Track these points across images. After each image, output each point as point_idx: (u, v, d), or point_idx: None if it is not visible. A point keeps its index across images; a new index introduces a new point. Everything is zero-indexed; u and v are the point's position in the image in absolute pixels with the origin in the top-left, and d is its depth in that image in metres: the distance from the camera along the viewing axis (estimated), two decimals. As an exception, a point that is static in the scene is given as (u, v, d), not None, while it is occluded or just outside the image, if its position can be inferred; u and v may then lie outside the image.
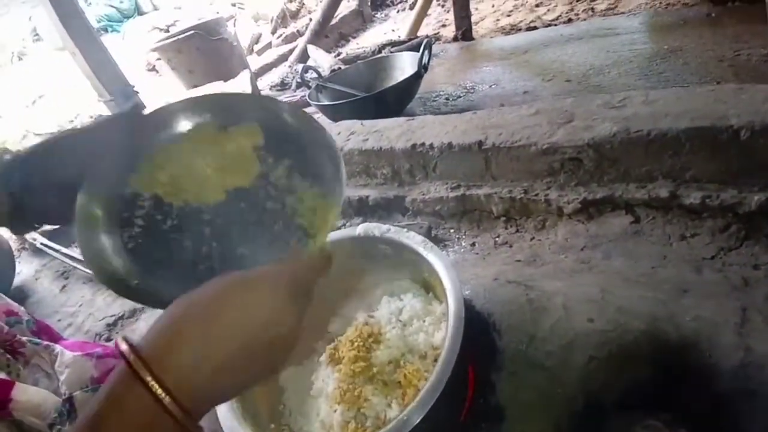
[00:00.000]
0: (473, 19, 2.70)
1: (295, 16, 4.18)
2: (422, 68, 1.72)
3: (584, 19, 2.45)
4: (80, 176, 0.46)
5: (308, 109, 2.05)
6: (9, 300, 1.05)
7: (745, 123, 0.86)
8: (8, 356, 0.87)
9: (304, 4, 4.32)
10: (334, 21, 3.27)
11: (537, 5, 2.84)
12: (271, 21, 4.21)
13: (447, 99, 1.96)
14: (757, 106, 0.88)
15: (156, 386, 0.32)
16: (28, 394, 0.81)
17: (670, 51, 1.74)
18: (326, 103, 1.89)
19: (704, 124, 0.89)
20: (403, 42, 2.52)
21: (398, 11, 3.92)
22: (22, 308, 1.05)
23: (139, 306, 1.35)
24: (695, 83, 1.50)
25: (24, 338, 0.92)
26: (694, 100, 0.96)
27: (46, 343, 0.95)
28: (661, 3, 2.29)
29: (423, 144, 1.19)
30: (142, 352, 0.33)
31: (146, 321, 1.30)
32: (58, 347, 0.95)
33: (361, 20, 3.84)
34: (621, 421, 0.66)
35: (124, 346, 0.34)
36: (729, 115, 0.88)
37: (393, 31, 3.40)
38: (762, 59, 1.53)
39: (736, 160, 0.89)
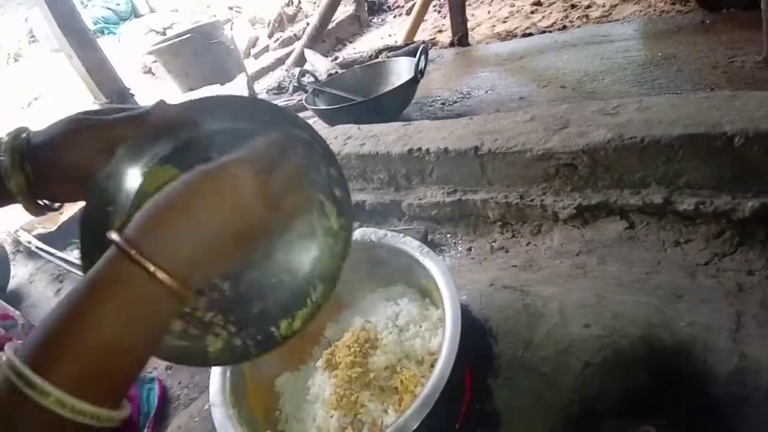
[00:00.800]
0: (469, 25, 2.72)
1: (292, 20, 4.19)
2: (419, 73, 1.73)
3: (579, 26, 2.47)
4: (94, 163, 0.45)
5: (305, 114, 2.06)
6: (5, 303, 1.05)
7: (738, 130, 0.87)
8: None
9: (301, 8, 4.33)
10: (331, 25, 3.28)
11: (532, 12, 2.86)
12: (269, 25, 4.21)
13: (443, 104, 1.97)
14: (750, 113, 0.89)
15: (149, 263, 0.33)
16: None
17: (664, 58, 1.75)
18: (323, 107, 1.89)
19: (698, 131, 0.90)
20: (400, 47, 2.53)
21: (395, 16, 3.93)
22: (18, 312, 1.05)
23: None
24: (689, 90, 1.52)
25: (19, 342, 0.92)
26: (688, 107, 0.96)
27: None
28: (655, 10, 2.31)
29: (419, 149, 1.20)
30: (130, 236, 0.34)
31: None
32: None
33: (358, 25, 3.86)
34: (616, 426, 0.66)
35: (113, 235, 0.34)
36: (723, 122, 0.89)
37: (390, 36, 3.42)
38: (756, 66, 1.54)
39: (729, 166, 0.90)
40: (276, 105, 0.49)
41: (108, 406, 0.31)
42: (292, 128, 0.46)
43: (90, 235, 0.44)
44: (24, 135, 0.46)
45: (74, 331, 0.31)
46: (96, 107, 0.51)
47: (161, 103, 0.47)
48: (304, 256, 0.50)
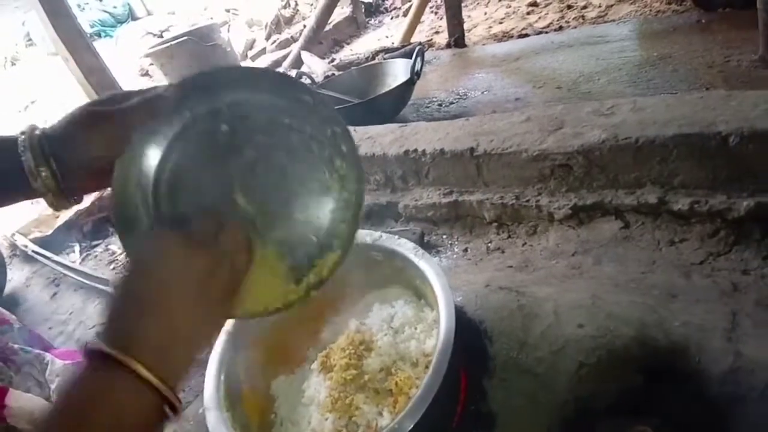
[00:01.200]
0: (466, 26, 2.72)
1: (289, 22, 4.19)
2: (415, 75, 1.73)
3: (575, 27, 2.47)
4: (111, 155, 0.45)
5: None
6: (1, 308, 1.05)
7: (733, 129, 0.87)
8: (0, 363, 0.87)
9: (298, 10, 4.33)
10: (328, 27, 3.29)
11: (528, 13, 2.86)
12: (266, 27, 4.21)
13: (440, 105, 1.97)
14: (746, 112, 0.89)
15: (140, 368, 0.33)
16: (21, 401, 0.81)
17: (660, 58, 1.75)
18: (319, 109, 1.89)
19: (692, 131, 0.90)
20: (396, 49, 2.53)
21: (392, 18, 3.94)
22: (14, 317, 1.05)
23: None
24: (685, 90, 1.52)
25: (16, 346, 0.92)
26: (683, 107, 0.97)
27: (37, 351, 0.95)
28: (651, 10, 2.31)
29: (416, 150, 1.20)
30: (115, 345, 0.34)
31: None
32: (48, 356, 0.95)
33: (355, 27, 3.86)
34: (611, 427, 0.66)
35: (96, 346, 0.34)
36: (717, 122, 0.89)
37: (387, 37, 3.42)
38: (752, 65, 1.54)
39: (724, 166, 0.90)
40: (282, 73, 0.52)
41: None
42: (298, 94, 0.50)
43: (123, 219, 0.46)
44: (38, 132, 0.46)
45: None
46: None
47: (172, 86, 0.47)
48: (322, 210, 0.53)
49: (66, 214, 1.84)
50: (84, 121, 0.47)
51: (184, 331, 0.38)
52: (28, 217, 1.93)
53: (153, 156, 0.47)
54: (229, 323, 0.78)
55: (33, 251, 1.74)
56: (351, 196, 0.53)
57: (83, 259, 1.70)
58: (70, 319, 1.43)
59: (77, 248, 1.76)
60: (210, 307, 0.40)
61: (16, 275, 1.77)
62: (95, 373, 0.34)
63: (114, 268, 1.59)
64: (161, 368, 0.34)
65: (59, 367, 0.93)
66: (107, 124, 0.46)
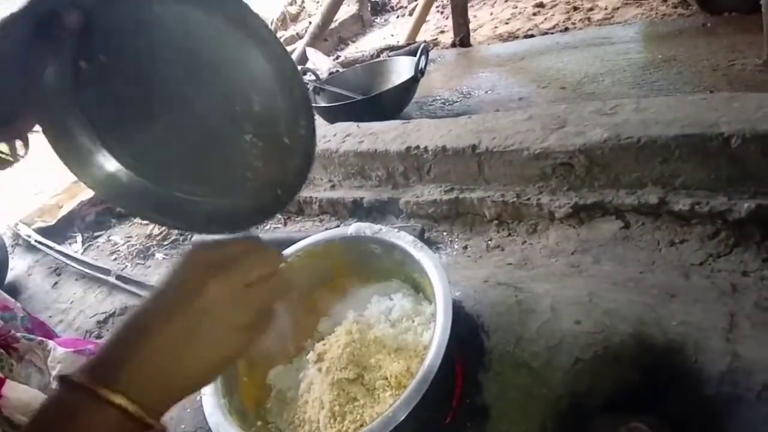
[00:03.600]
0: (471, 26, 2.72)
1: (295, 19, 4.20)
2: (419, 73, 1.73)
3: (580, 28, 2.47)
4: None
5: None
6: (6, 295, 1.05)
7: (735, 131, 0.87)
8: (2, 351, 0.88)
9: (304, 7, 4.33)
10: (333, 25, 3.29)
11: (534, 14, 2.86)
12: (272, 23, 4.22)
13: (443, 103, 1.97)
14: (748, 114, 0.89)
15: (122, 399, 0.33)
16: (17, 392, 0.81)
17: (665, 60, 1.75)
18: (323, 105, 1.90)
19: (694, 131, 0.90)
20: (401, 47, 2.53)
21: (398, 17, 3.93)
22: (18, 304, 1.05)
23: (130, 303, 1.35)
24: (688, 92, 1.52)
25: (18, 334, 0.92)
26: (685, 108, 0.97)
27: (39, 339, 0.95)
28: (657, 13, 2.31)
29: (417, 147, 1.20)
30: (96, 372, 0.34)
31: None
32: (51, 343, 0.95)
33: (360, 24, 3.86)
34: (605, 423, 0.66)
35: (76, 377, 0.34)
36: (719, 123, 0.89)
37: (392, 36, 3.42)
38: (756, 69, 1.54)
39: (726, 167, 0.90)
40: None
41: None
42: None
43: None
44: None
45: None
46: None
47: None
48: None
49: (69, 205, 1.85)
50: None
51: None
52: (31, 206, 1.94)
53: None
54: None
55: (35, 241, 1.75)
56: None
57: (85, 250, 1.70)
58: (71, 308, 1.44)
59: (79, 238, 1.77)
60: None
61: (18, 264, 1.78)
62: (69, 395, 0.34)
63: (115, 259, 1.59)
64: (141, 395, 0.34)
65: (61, 354, 0.93)
66: None
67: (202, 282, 0.38)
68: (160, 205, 0.41)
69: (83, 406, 0.33)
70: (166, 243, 1.57)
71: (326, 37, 3.25)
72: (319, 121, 1.82)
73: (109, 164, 0.39)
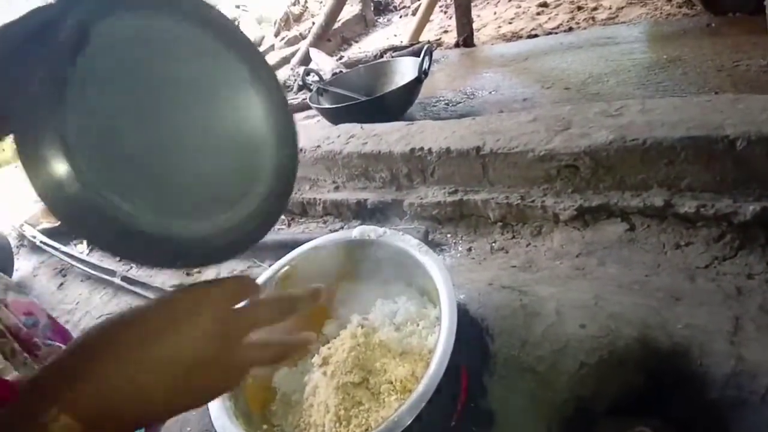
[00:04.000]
0: (475, 26, 2.72)
1: (298, 19, 4.20)
2: (422, 73, 1.73)
3: (585, 28, 2.46)
4: None
5: (309, 112, 2.06)
6: (32, 299, 1.06)
7: (740, 133, 0.87)
8: (26, 355, 0.88)
9: (307, 7, 4.33)
10: (336, 25, 3.29)
11: (538, 14, 2.85)
12: (275, 24, 4.23)
13: (447, 104, 1.96)
14: (753, 116, 0.89)
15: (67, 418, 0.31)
16: None
17: (669, 60, 1.74)
18: (327, 106, 1.90)
19: (700, 133, 0.90)
20: (405, 47, 2.53)
21: (401, 17, 3.93)
22: (44, 310, 1.05)
23: (135, 304, 1.35)
24: (693, 93, 1.51)
25: (38, 341, 0.93)
26: (691, 110, 0.96)
27: (59, 344, 0.96)
28: (661, 13, 2.30)
29: (421, 148, 1.20)
30: (40, 383, 0.33)
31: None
32: None
33: (363, 25, 3.86)
34: (611, 427, 0.66)
35: (21, 384, 0.33)
36: (725, 125, 0.89)
37: (395, 36, 3.41)
38: (761, 70, 1.53)
39: (731, 169, 0.90)
40: None
41: None
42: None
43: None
44: None
45: None
46: None
47: None
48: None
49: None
50: None
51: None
52: (36, 207, 1.95)
53: None
54: None
55: (41, 242, 1.76)
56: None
57: (90, 251, 1.71)
58: (76, 308, 1.45)
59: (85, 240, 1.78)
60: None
61: (24, 265, 1.79)
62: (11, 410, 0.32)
63: (120, 260, 1.60)
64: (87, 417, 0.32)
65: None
66: None
67: (176, 318, 0.37)
68: (122, 234, 0.38)
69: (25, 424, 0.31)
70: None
71: (329, 38, 3.25)
72: (323, 123, 1.83)
73: (70, 186, 0.36)
